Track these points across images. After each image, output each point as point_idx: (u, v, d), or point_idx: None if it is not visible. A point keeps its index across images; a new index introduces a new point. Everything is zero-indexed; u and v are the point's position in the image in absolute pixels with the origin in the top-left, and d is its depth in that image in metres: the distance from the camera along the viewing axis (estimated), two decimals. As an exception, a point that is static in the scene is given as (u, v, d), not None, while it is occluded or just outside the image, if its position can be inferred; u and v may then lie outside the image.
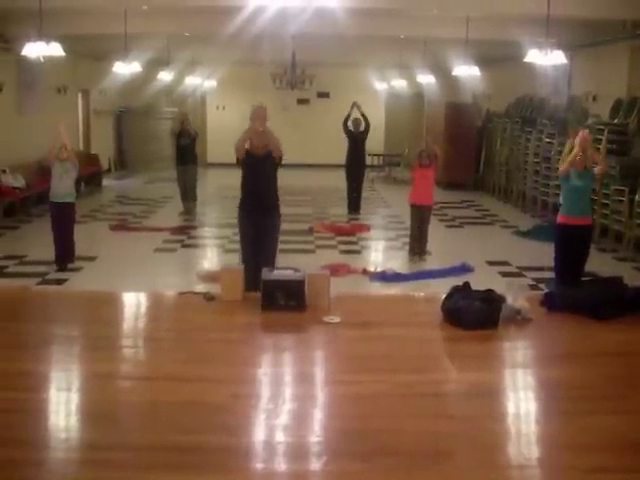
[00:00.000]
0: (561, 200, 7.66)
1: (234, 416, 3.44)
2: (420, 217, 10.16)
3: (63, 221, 9.40)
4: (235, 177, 7.42)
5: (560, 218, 7.42)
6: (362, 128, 14.39)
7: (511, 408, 3.68)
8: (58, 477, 2.99)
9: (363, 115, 14.25)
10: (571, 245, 7.29)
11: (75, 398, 3.76)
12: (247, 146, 7.03)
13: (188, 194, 14.08)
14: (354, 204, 14.51)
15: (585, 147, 7.23)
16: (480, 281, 5.74)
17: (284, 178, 7.43)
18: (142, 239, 11.75)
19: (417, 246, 10.18)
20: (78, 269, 9.48)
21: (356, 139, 14.41)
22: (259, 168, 6.98)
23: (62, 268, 9.35)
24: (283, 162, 7.16)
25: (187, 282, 8.76)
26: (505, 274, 9.45)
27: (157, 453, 3.11)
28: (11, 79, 14.47)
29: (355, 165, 14.50)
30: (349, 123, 14.40)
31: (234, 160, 7.05)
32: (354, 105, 14.23)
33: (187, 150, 14.00)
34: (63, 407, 3.65)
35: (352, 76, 22.71)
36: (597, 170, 7.46)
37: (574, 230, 7.26)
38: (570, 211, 7.31)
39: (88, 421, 3.45)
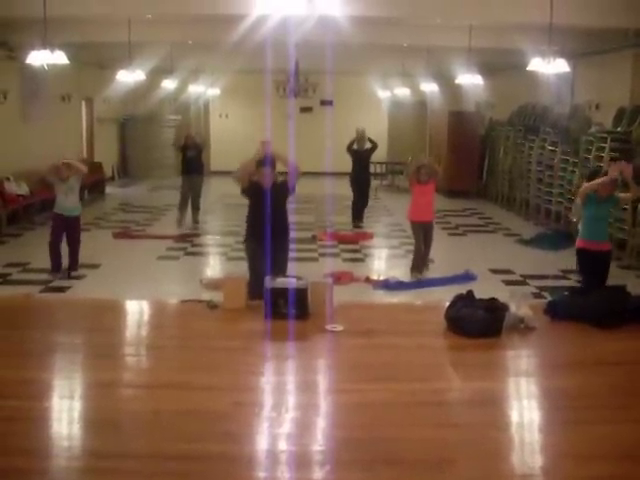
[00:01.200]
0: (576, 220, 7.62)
1: (237, 424, 3.44)
2: (424, 234, 9.82)
3: (71, 233, 9.51)
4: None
5: (578, 243, 7.35)
6: (367, 146, 14.36)
7: (514, 417, 3.67)
8: (61, 485, 2.99)
9: (370, 140, 14.25)
10: (594, 264, 7.27)
11: (78, 406, 3.76)
12: (255, 178, 6.79)
13: (193, 203, 14.00)
14: (357, 215, 14.48)
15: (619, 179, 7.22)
16: (483, 289, 5.73)
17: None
18: (145, 247, 11.76)
19: (421, 263, 9.89)
20: (81, 277, 9.48)
21: (361, 157, 14.38)
22: (267, 199, 6.67)
23: (62, 277, 9.39)
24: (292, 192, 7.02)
25: (190, 290, 8.76)
26: (508, 282, 9.44)
27: (160, 461, 3.11)
28: (15, 87, 14.51)
29: (361, 182, 14.48)
30: (354, 145, 14.36)
31: (238, 167, 6.94)
32: (358, 132, 14.28)
33: (193, 161, 13.92)
34: (66, 415, 3.65)
35: (355, 84, 22.74)
36: (629, 195, 7.39)
37: (593, 254, 7.25)
38: (588, 237, 7.27)
39: (91, 429, 3.45)
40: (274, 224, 6.69)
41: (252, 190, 6.83)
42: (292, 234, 7.29)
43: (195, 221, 13.98)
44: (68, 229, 9.50)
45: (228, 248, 11.46)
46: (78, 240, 9.65)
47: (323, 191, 19.26)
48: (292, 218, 7.77)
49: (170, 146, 14.15)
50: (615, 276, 9.26)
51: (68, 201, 9.41)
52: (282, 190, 6.91)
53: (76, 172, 9.44)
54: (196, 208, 14.08)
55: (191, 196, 13.99)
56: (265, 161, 6.78)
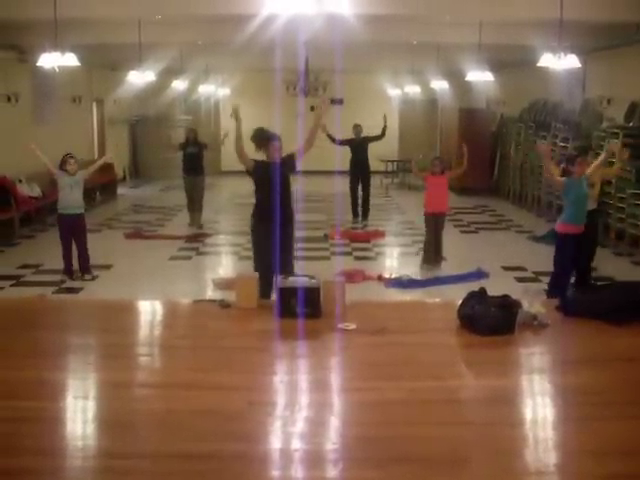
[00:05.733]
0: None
1: (250, 424, 3.43)
2: (435, 224, 10.04)
3: (76, 233, 9.34)
4: (249, 185, 7.36)
5: (569, 228, 7.45)
6: (363, 134, 14.26)
7: (528, 414, 3.66)
8: (75, 485, 3.00)
9: (383, 129, 14.01)
10: (579, 248, 7.37)
11: (91, 406, 3.77)
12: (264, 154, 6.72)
13: (195, 205, 13.77)
14: (355, 210, 14.41)
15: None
16: (496, 287, 5.71)
17: (298, 185, 7.39)
18: (157, 247, 11.79)
19: (433, 255, 10.03)
20: (93, 277, 9.51)
21: (356, 145, 14.27)
22: (277, 177, 6.57)
23: (73, 278, 9.36)
24: (297, 169, 6.98)
25: (202, 290, 8.79)
26: (521, 279, 9.41)
27: (173, 461, 3.11)
28: (27, 89, 14.58)
29: (359, 172, 14.36)
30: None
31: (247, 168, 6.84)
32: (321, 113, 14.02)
33: (194, 159, 13.67)
34: (79, 415, 3.66)
35: (365, 82, 22.71)
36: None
37: (578, 237, 7.34)
38: (579, 219, 7.37)
39: (105, 429, 3.46)
40: (284, 205, 6.62)
41: (259, 169, 6.68)
42: (297, 217, 7.25)
43: (198, 225, 13.61)
44: (74, 229, 9.28)
45: (239, 247, 11.47)
46: (85, 241, 9.42)
47: (333, 189, 19.27)
48: (302, 217, 7.77)
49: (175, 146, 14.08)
50: (628, 272, 9.26)
51: (72, 195, 9.16)
52: (290, 165, 6.76)
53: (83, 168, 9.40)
54: (198, 210, 13.77)
55: (194, 197, 13.71)
56: (274, 134, 6.67)
